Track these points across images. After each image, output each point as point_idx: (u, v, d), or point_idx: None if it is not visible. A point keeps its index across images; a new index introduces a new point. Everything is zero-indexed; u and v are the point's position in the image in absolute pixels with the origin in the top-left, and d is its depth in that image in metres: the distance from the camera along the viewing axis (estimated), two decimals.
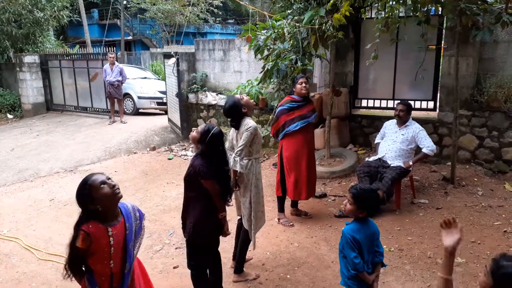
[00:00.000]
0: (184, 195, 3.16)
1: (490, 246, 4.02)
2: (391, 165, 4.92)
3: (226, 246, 4.27)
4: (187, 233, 3.08)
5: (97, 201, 2.11)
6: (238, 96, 3.76)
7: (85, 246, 2.09)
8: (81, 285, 2.26)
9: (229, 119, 3.76)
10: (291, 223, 4.76)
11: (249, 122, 3.58)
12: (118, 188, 2.20)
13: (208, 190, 2.98)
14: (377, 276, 2.56)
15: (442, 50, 6.30)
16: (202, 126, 3.14)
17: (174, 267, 3.98)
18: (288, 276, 3.74)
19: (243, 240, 3.67)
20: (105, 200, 2.13)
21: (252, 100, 3.69)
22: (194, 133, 3.15)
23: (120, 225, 2.20)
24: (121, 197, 2.22)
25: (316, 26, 5.49)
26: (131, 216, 2.27)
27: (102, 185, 2.13)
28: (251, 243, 3.65)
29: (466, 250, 3.97)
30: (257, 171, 3.65)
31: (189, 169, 3.03)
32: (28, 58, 12.31)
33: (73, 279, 2.24)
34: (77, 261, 2.18)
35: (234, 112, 3.63)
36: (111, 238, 2.15)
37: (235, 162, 3.54)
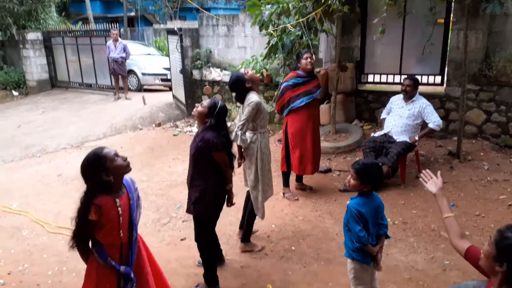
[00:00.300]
0: (190, 172, 3.16)
1: (494, 219, 4.05)
2: (397, 140, 4.91)
3: (232, 219, 4.35)
4: (195, 207, 3.11)
5: (110, 172, 2.15)
6: (242, 70, 3.77)
7: (97, 218, 2.13)
8: (84, 259, 2.29)
9: (233, 94, 3.75)
10: (296, 197, 4.80)
11: (251, 97, 3.60)
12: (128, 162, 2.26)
13: (218, 162, 3.04)
14: (381, 248, 2.60)
15: (450, 24, 6.17)
16: (207, 100, 3.15)
17: (182, 239, 4.06)
18: (293, 247, 3.81)
19: (250, 211, 3.73)
20: (118, 171, 2.19)
21: (258, 75, 3.66)
22: (200, 108, 3.11)
23: (125, 196, 2.26)
24: (131, 169, 2.27)
25: (322, 0, 5.38)
26: (131, 187, 2.33)
27: (116, 157, 2.18)
28: (259, 213, 3.70)
29: (470, 223, 4.01)
30: (263, 145, 3.68)
31: (199, 143, 3.03)
32: (31, 35, 12.23)
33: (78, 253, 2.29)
34: (86, 234, 2.21)
35: (238, 87, 3.66)
36: (119, 209, 2.20)
37: (236, 136, 3.56)
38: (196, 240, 3.28)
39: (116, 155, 2.19)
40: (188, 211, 3.22)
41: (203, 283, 3.25)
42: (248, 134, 3.65)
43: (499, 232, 1.71)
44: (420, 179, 2.40)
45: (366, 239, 2.48)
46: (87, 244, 2.25)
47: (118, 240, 2.24)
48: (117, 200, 2.20)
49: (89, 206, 2.12)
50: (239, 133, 3.56)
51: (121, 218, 2.21)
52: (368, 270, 2.61)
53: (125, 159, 2.22)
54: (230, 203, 3.27)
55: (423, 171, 2.41)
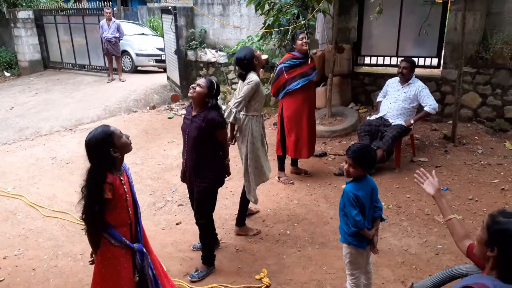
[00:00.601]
0: (192, 156, 3.13)
1: (487, 203, 4.09)
2: (392, 123, 4.90)
3: (228, 203, 4.36)
4: (204, 182, 3.15)
5: (118, 149, 2.18)
6: (253, 47, 3.73)
7: (112, 196, 2.13)
8: (96, 245, 2.22)
9: (238, 68, 3.75)
10: (291, 181, 4.81)
11: (252, 76, 3.59)
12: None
13: (219, 140, 3.15)
14: (376, 230, 2.62)
15: (449, 4, 6.08)
16: (202, 80, 3.10)
17: (177, 223, 4.07)
18: (288, 232, 3.84)
19: (243, 195, 3.75)
20: (124, 148, 2.23)
21: (265, 56, 3.65)
22: (199, 89, 3.04)
23: (125, 175, 2.28)
24: (132, 148, 2.32)
25: None
26: (125, 165, 2.34)
27: (121, 133, 2.22)
28: (251, 197, 3.71)
29: (463, 207, 4.05)
30: (255, 128, 3.65)
31: (202, 124, 3.02)
32: (22, 14, 11.94)
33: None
34: (101, 216, 2.15)
35: (247, 62, 3.62)
36: (124, 187, 2.22)
37: (230, 113, 3.57)
38: (200, 220, 3.26)
39: (121, 132, 2.24)
40: (194, 185, 3.22)
41: (201, 265, 3.28)
42: (241, 116, 3.63)
43: (491, 216, 1.71)
44: (415, 180, 2.39)
45: (362, 223, 2.49)
46: (101, 227, 2.19)
47: (127, 218, 2.25)
48: (122, 178, 2.22)
49: (102, 185, 2.09)
50: (233, 110, 3.56)
51: (127, 195, 2.23)
52: (364, 254, 2.63)
53: (128, 137, 2.26)
54: (228, 174, 3.41)
55: (418, 171, 2.39)
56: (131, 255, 2.27)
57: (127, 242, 2.24)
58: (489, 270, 1.70)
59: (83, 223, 2.19)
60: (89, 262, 2.37)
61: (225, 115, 3.42)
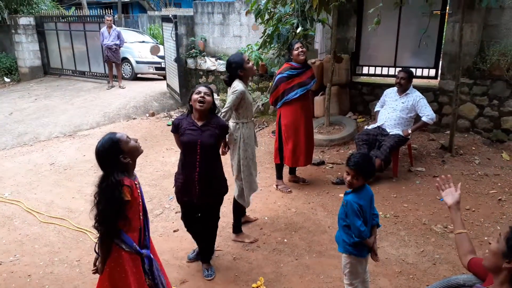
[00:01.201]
0: (206, 164, 3.09)
1: (484, 213, 4.10)
2: (390, 133, 4.92)
3: (225, 210, 4.35)
4: (223, 188, 3.28)
5: (128, 154, 2.19)
6: (246, 56, 3.73)
7: (130, 198, 2.14)
8: (107, 253, 2.18)
9: (226, 71, 3.81)
10: (289, 190, 4.82)
11: (237, 85, 3.57)
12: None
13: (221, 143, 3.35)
14: (375, 238, 2.61)
15: (446, 16, 6.15)
16: (203, 88, 3.05)
17: (174, 231, 4.06)
18: (285, 240, 3.83)
19: (234, 201, 3.79)
20: (133, 152, 2.24)
21: (255, 68, 3.65)
22: (209, 98, 3.01)
23: (137, 180, 2.30)
24: (142, 151, 2.34)
25: None
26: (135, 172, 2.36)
27: (128, 138, 2.23)
28: (241, 200, 3.74)
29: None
30: (246, 135, 3.66)
31: (216, 131, 3.07)
32: (23, 20, 12.02)
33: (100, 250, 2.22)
34: (118, 221, 2.14)
35: (232, 69, 3.62)
36: (138, 191, 2.24)
37: None
38: (215, 223, 3.39)
39: (128, 137, 2.25)
40: (204, 199, 3.16)
41: (206, 264, 3.38)
42: (231, 123, 3.66)
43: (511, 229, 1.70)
44: (436, 184, 2.31)
45: (366, 233, 2.47)
46: (114, 234, 2.17)
47: (139, 223, 2.26)
48: (136, 182, 2.24)
49: (120, 188, 2.10)
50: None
51: (140, 200, 2.25)
52: (363, 263, 2.63)
53: (136, 140, 2.27)
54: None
55: (442, 176, 2.30)
56: (141, 260, 2.28)
57: (137, 248, 2.24)
58: (499, 282, 1.69)
59: (96, 231, 2.18)
60: (92, 271, 2.31)
61: None
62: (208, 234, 3.36)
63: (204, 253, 3.39)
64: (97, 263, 2.25)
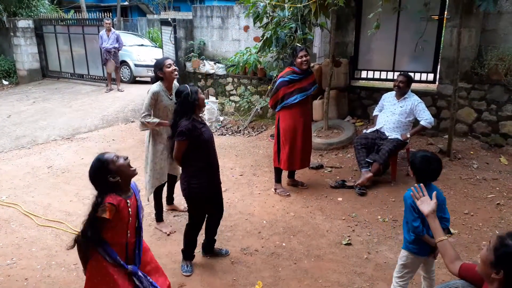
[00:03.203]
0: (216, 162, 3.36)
1: (483, 218, 4.10)
2: (389, 137, 4.93)
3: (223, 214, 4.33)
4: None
5: (116, 173, 2.24)
6: (170, 60, 3.90)
7: (111, 217, 2.19)
8: (85, 259, 2.29)
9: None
10: (288, 193, 4.81)
11: (154, 87, 3.84)
12: (130, 162, 2.36)
13: None
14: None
15: (444, 21, 6.18)
16: (196, 89, 3.25)
17: (168, 234, 4.05)
18: (283, 244, 3.82)
19: (154, 193, 4.12)
20: (122, 171, 2.28)
21: (175, 74, 3.89)
22: (203, 96, 3.33)
23: (133, 198, 2.36)
24: (135, 172, 2.36)
25: None
26: (136, 190, 2.43)
27: (116, 158, 2.28)
28: (147, 194, 4.05)
29: (459, 222, 4.05)
30: (155, 131, 3.92)
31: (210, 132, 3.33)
32: (22, 23, 12.03)
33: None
34: (97, 233, 2.23)
35: (154, 70, 3.89)
36: (129, 209, 2.29)
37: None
38: (219, 221, 3.57)
39: (117, 156, 2.30)
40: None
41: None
42: (141, 120, 3.88)
43: (499, 238, 1.67)
44: (412, 193, 2.40)
45: (420, 229, 2.45)
46: (92, 244, 2.26)
47: (124, 239, 2.31)
48: (128, 201, 2.29)
49: (103, 205, 2.18)
50: (141, 119, 3.87)
51: (130, 218, 2.30)
52: (421, 261, 2.64)
53: (125, 158, 2.32)
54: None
55: (416, 185, 2.39)
56: (128, 273, 2.32)
57: (121, 262, 2.29)
58: None
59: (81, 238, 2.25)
60: (83, 271, 2.38)
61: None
62: (218, 223, 3.57)
63: (212, 243, 3.61)
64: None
